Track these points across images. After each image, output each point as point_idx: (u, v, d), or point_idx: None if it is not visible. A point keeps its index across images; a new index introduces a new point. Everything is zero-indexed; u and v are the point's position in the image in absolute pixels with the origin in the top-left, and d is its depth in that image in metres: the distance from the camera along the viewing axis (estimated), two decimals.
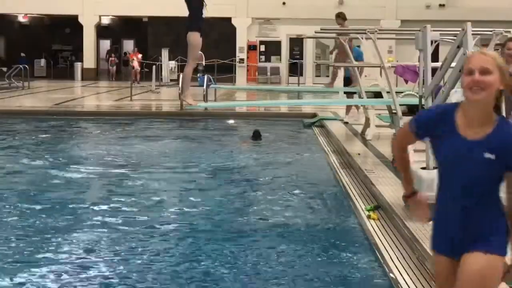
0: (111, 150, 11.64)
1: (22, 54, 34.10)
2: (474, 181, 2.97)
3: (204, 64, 27.91)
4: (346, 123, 14.86)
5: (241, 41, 32.68)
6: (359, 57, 14.21)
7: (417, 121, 3.14)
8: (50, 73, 34.52)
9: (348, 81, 14.76)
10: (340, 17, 14.38)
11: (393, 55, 28.42)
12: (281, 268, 5.41)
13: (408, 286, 4.87)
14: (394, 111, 9.87)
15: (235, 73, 31.78)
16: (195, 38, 10.93)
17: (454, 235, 3.05)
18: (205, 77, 18.85)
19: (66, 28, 38.92)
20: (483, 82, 2.91)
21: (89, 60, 33.69)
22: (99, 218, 7.00)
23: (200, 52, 11.85)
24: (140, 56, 30.99)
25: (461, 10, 30.13)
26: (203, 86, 18.49)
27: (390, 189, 7.66)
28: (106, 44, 39.49)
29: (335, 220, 6.99)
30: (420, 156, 8.07)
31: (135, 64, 29.61)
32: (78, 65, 33.31)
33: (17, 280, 5.11)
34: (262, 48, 33.04)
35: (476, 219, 3.00)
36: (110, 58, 34.74)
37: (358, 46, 14.73)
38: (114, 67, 34.52)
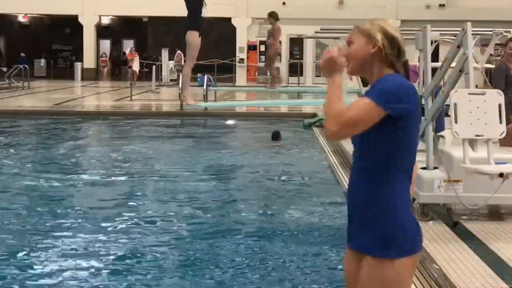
0: (111, 151, 11.63)
1: (22, 54, 34.10)
2: None
3: (182, 64, 28.03)
4: None
5: (241, 41, 32.68)
6: None
7: None
8: (50, 73, 34.52)
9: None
10: (273, 16, 14.38)
11: None
12: (280, 268, 5.41)
13: None
14: None
15: (235, 73, 31.77)
16: (193, 38, 10.95)
17: None
18: (205, 77, 18.85)
19: (66, 28, 38.91)
20: (348, 54, 2.77)
21: (89, 60, 33.69)
22: (98, 218, 6.99)
23: (179, 51, 11.85)
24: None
25: (461, 10, 30.13)
26: (203, 86, 18.48)
27: None
28: (106, 44, 39.50)
29: (335, 220, 6.99)
30: (420, 156, 8.08)
31: (135, 64, 29.45)
32: (78, 65, 33.30)
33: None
34: (262, 48, 33.03)
35: None
36: (101, 59, 33.68)
37: None
38: (106, 69, 33.57)
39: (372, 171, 2.72)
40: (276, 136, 13.03)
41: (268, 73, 14.20)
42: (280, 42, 13.75)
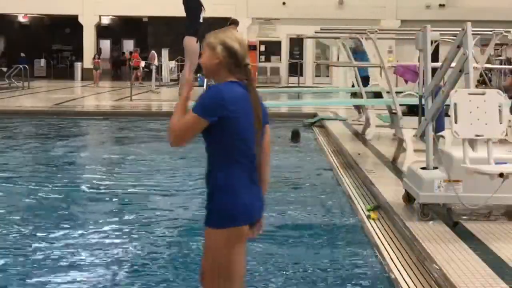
0: (111, 151, 11.64)
1: (22, 54, 34.10)
2: None
3: (156, 64, 28.03)
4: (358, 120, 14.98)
5: None
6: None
7: None
8: (50, 73, 34.50)
9: (366, 80, 14.73)
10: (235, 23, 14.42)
11: (393, 55, 28.40)
12: (280, 268, 5.41)
13: (408, 286, 4.87)
14: (394, 111, 9.87)
15: None
16: (190, 43, 10.94)
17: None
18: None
19: (66, 28, 38.91)
20: (201, 63, 3.37)
21: (89, 60, 33.67)
22: (96, 220, 6.99)
23: (153, 51, 11.85)
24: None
25: (461, 10, 30.13)
26: (203, 86, 18.48)
27: (390, 189, 7.66)
28: (106, 44, 39.49)
29: (335, 220, 6.99)
30: (420, 156, 8.08)
31: (142, 64, 29.39)
32: (78, 65, 33.30)
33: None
34: (262, 48, 33.04)
35: None
36: (94, 60, 30.12)
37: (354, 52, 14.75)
38: (99, 71, 29.57)
39: (210, 159, 3.31)
40: (295, 135, 13.00)
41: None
42: None
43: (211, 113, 3.18)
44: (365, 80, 14.69)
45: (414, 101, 8.67)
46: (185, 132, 3.24)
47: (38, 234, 6.36)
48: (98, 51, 33.62)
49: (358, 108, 15.67)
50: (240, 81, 3.31)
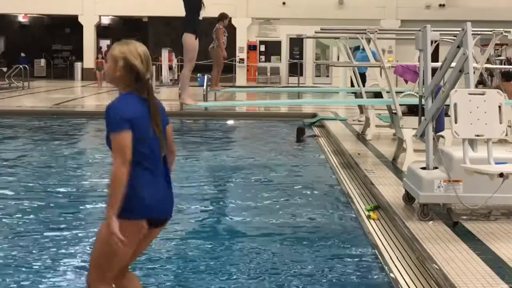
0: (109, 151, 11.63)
1: (22, 54, 34.09)
2: None
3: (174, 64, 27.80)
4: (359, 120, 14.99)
5: (241, 41, 32.68)
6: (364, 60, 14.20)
7: None
8: (50, 73, 34.49)
9: (363, 77, 14.76)
10: (221, 20, 14.41)
11: (393, 55, 28.41)
12: (280, 268, 5.41)
13: (408, 286, 4.87)
14: (394, 111, 9.87)
15: (235, 73, 31.78)
16: (190, 41, 10.92)
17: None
18: (205, 77, 18.84)
19: (66, 28, 38.91)
20: (105, 71, 3.72)
21: (89, 60, 33.67)
22: (96, 220, 6.99)
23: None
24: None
25: (461, 10, 30.13)
26: (203, 86, 18.48)
27: (390, 189, 7.66)
28: (106, 44, 39.45)
29: (335, 220, 6.99)
30: (420, 156, 8.09)
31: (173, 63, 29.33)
32: (78, 65, 33.29)
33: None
34: (262, 48, 33.04)
35: None
36: (97, 60, 28.47)
37: (362, 50, 14.75)
38: (102, 71, 27.06)
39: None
40: (301, 133, 13.08)
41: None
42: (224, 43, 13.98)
43: (125, 126, 3.44)
44: (362, 78, 14.74)
45: (414, 101, 8.68)
46: (124, 152, 3.46)
47: (37, 234, 6.36)
48: (100, 50, 32.61)
49: (360, 107, 15.70)
50: (135, 93, 3.54)
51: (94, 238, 6.13)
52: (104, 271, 3.64)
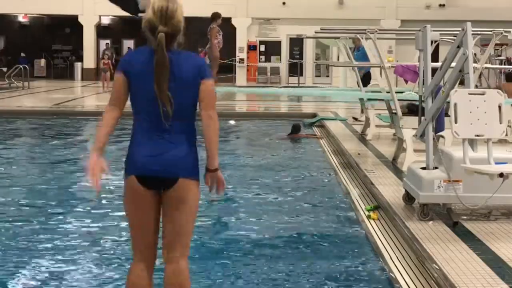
0: (111, 151, 11.62)
1: (22, 54, 34.09)
2: None
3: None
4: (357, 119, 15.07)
5: (241, 41, 32.68)
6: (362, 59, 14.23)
7: None
8: (50, 73, 34.48)
9: (367, 77, 14.79)
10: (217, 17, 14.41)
11: (393, 55, 28.42)
12: (280, 268, 5.40)
13: (408, 286, 4.87)
14: (394, 111, 9.88)
15: (235, 73, 31.78)
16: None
17: None
18: None
19: (66, 28, 38.90)
20: None
21: (89, 60, 33.68)
22: (96, 221, 6.99)
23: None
24: None
25: (461, 10, 30.14)
26: None
27: (390, 189, 7.67)
28: (105, 44, 39.45)
29: (335, 220, 6.99)
30: (420, 156, 8.09)
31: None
32: (78, 65, 33.29)
33: None
34: (262, 48, 33.04)
35: None
36: (103, 61, 27.06)
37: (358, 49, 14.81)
38: (108, 73, 26.10)
39: None
40: (296, 129, 13.15)
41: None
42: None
43: (119, 68, 3.53)
44: (366, 78, 14.77)
45: (415, 97, 8.68)
46: (112, 93, 3.56)
47: (36, 229, 6.36)
48: (105, 52, 30.38)
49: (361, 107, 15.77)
50: (151, 47, 3.47)
51: (94, 239, 6.17)
52: (132, 243, 3.66)
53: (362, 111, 15.72)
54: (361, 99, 13.63)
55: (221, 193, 3.69)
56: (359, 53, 14.39)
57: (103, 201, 7.80)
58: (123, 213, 3.71)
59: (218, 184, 3.65)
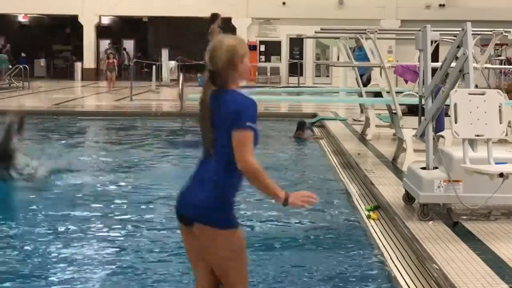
0: (111, 152, 11.63)
1: (22, 54, 34.07)
2: None
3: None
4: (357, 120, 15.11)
5: None
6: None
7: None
8: (50, 73, 34.45)
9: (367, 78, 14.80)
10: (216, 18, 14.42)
11: (393, 55, 28.41)
12: (280, 268, 5.41)
13: (408, 286, 4.87)
14: (394, 111, 9.87)
15: None
16: None
17: None
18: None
19: (66, 28, 38.88)
20: None
21: (89, 60, 33.66)
22: (96, 222, 6.98)
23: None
24: None
25: (461, 10, 30.12)
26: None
27: (390, 189, 7.67)
28: (106, 44, 39.44)
29: (335, 220, 6.99)
30: (420, 156, 8.09)
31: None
32: (78, 65, 33.28)
33: None
34: (262, 48, 33.04)
35: None
36: (108, 60, 25.94)
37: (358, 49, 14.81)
38: (114, 73, 25.52)
39: None
40: (302, 125, 13.17)
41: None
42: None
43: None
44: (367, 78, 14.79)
45: (414, 101, 8.68)
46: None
47: (35, 229, 6.36)
48: (111, 52, 29.03)
49: (361, 107, 15.81)
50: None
51: (94, 241, 6.17)
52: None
53: (362, 111, 15.77)
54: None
55: (314, 202, 3.53)
56: (361, 53, 14.38)
57: (101, 205, 7.81)
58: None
59: (302, 202, 3.46)
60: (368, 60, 12.43)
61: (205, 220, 3.33)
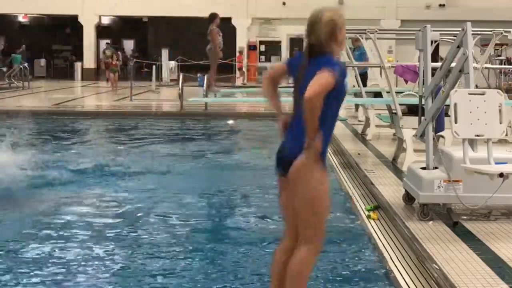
0: (110, 152, 11.62)
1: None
2: None
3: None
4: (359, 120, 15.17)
5: (241, 41, 32.66)
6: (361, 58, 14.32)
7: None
8: (50, 73, 34.46)
9: (364, 77, 14.87)
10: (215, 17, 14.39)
11: (393, 55, 28.41)
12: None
13: (408, 286, 4.87)
14: (394, 111, 9.87)
15: (235, 73, 31.77)
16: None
17: None
18: (205, 77, 18.89)
19: (66, 28, 38.88)
20: None
21: (89, 60, 33.65)
22: (96, 223, 6.98)
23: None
24: None
25: (461, 10, 30.12)
26: (202, 86, 18.50)
27: (390, 189, 7.67)
28: (105, 44, 39.45)
29: (334, 220, 6.98)
30: (420, 156, 8.09)
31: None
32: (78, 65, 33.28)
33: None
34: (262, 48, 33.04)
35: None
36: (110, 60, 25.12)
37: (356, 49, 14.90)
38: (116, 74, 24.77)
39: None
40: None
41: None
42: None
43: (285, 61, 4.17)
44: (364, 78, 14.91)
45: (414, 101, 8.68)
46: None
47: (35, 230, 6.36)
48: (116, 51, 28.37)
49: (356, 105, 16.04)
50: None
51: (95, 243, 6.17)
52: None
53: (356, 109, 15.94)
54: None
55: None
56: (359, 53, 14.43)
57: (101, 205, 7.81)
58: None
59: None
60: (363, 60, 12.47)
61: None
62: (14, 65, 26.81)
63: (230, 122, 16.53)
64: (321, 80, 3.58)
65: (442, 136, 8.64)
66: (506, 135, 8.84)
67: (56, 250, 5.84)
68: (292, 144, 3.79)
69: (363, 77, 14.97)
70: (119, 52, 27.02)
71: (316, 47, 3.70)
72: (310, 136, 3.65)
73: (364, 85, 14.67)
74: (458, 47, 6.41)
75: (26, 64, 26.58)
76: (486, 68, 11.74)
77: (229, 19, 31.77)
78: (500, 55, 23.38)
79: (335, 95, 3.66)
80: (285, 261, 3.89)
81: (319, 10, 3.75)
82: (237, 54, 31.18)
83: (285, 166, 3.80)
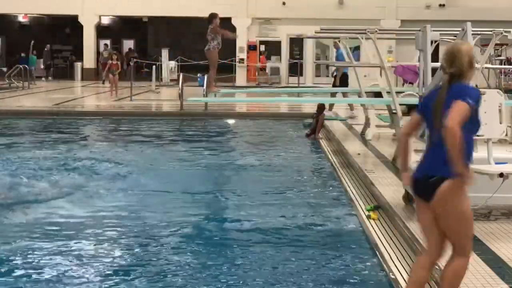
0: (110, 152, 11.63)
1: (22, 54, 34.07)
2: None
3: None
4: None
5: (241, 41, 32.66)
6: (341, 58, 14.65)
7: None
8: (50, 73, 34.45)
9: (345, 77, 15.10)
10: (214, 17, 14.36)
11: (393, 55, 28.41)
12: (280, 269, 5.41)
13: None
14: (394, 111, 9.87)
15: (235, 73, 31.76)
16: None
17: None
18: (205, 77, 18.90)
19: (66, 28, 38.86)
20: None
21: (89, 60, 33.65)
22: (95, 223, 6.98)
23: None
24: None
25: (461, 10, 30.12)
26: (203, 86, 18.51)
27: (390, 189, 7.66)
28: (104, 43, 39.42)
29: (335, 220, 6.99)
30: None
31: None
32: (78, 65, 33.26)
33: None
34: (262, 48, 33.03)
35: None
36: (111, 61, 23.94)
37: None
38: (117, 76, 23.37)
39: None
40: (322, 109, 13.26)
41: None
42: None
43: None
44: (344, 78, 15.28)
45: (414, 101, 8.68)
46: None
47: (35, 230, 6.36)
48: (117, 52, 27.92)
49: (350, 104, 16.30)
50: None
51: (96, 242, 6.16)
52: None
53: (351, 109, 16.09)
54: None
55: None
56: (338, 54, 14.84)
57: (101, 206, 7.81)
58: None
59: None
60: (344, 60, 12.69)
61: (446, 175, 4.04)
62: (31, 66, 27.14)
63: (231, 122, 16.54)
64: (458, 111, 3.85)
65: None
66: (506, 135, 8.84)
67: (55, 249, 5.85)
68: (428, 168, 4.10)
69: (345, 77, 15.48)
70: (116, 53, 26.57)
71: (456, 77, 3.97)
72: (456, 164, 3.96)
73: (345, 85, 15.25)
74: None
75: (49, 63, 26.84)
76: (486, 68, 11.74)
77: (229, 19, 31.77)
78: (500, 55, 23.37)
79: (471, 122, 3.98)
80: (425, 275, 4.19)
81: (455, 43, 4.16)
82: (260, 56, 32.28)
83: (424, 190, 4.07)
